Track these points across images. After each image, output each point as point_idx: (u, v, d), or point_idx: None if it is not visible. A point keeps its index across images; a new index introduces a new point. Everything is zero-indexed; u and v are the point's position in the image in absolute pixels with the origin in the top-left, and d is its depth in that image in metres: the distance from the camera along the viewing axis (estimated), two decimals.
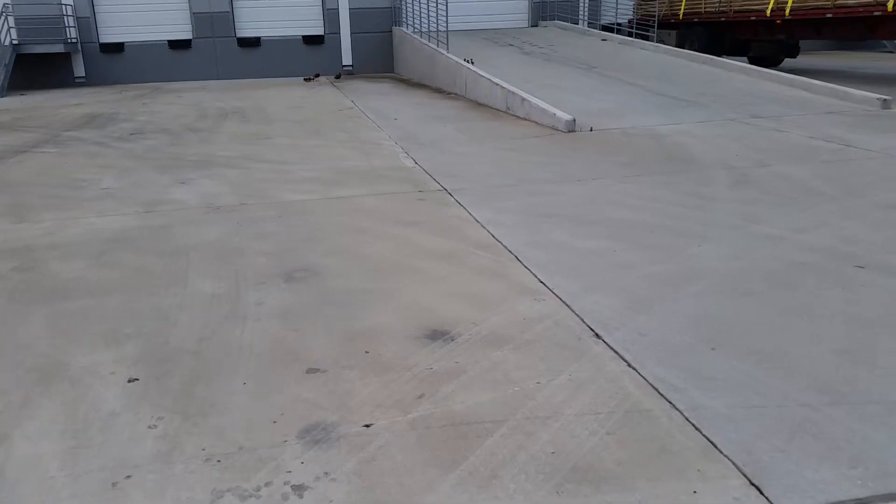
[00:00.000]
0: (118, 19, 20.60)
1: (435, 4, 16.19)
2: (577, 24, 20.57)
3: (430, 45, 16.56)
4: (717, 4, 16.86)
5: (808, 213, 5.29)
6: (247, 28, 21.23)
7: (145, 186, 6.92)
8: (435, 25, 16.30)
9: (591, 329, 3.41)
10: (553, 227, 5.15)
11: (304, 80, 19.53)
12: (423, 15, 17.63)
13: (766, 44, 16.66)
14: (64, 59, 20.29)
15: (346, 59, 21.60)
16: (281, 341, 3.35)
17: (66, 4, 19.79)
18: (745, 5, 16.01)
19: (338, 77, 19.69)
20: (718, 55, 17.25)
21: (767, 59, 17.68)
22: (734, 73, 13.32)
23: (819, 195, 5.76)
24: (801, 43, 18.83)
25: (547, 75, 13.48)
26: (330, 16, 21.18)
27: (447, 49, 15.49)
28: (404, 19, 19.73)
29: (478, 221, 5.34)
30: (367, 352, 3.22)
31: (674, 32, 18.66)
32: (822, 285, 3.88)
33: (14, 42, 18.79)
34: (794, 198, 5.71)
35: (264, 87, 17.77)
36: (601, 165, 7.22)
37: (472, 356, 3.16)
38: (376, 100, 14.01)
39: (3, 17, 18.52)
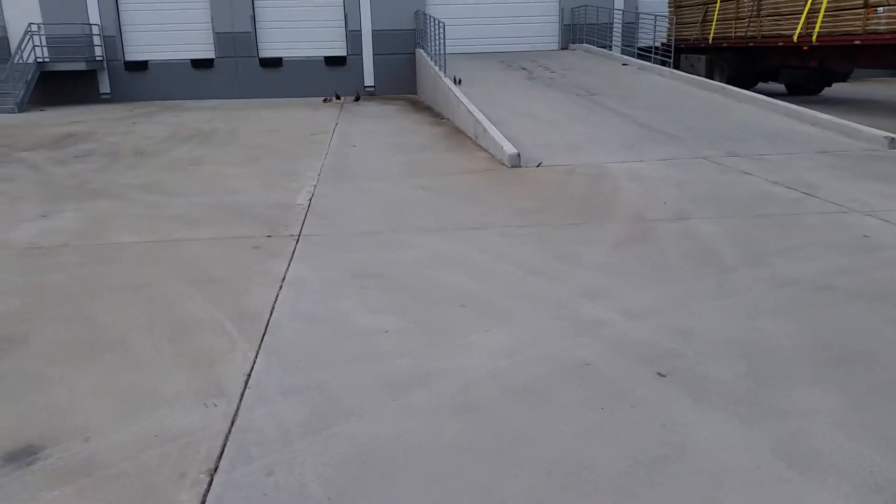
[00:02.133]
0: (143, 38, 20.75)
1: (435, 24, 15.52)
2: (610, 47, 19.42)
3: (435, 67, 15.84)
4: (747, 28, 15.51)
5: (673, 288, 4.26)
6: (269, 48, 21.05)
7: (2, 220, 6.43)
8: (437, 46, 15.61)
9: (217, 462, 2.57)
10: (359, 293, 4.31)
11: (323, 100, 19.07)
12: (431, 36, 16.99)
13: (796, 70, 15.16)
14: (90, 76, 20.56)
15: (369, 80, 21.15)
16: None
17: (93, 24, 20.07)
18: (773, 30, 14.64)
19: (357, 99, 19.15)
20: (749, 83, 15.94)
21: (802, 86, 16.20)
22: (743, 103, 12.06)
23: (711, 263, 4.70)
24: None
25: (536, 102, 12.54)
26: (353, 37, 20.79)
27: (444, 71, 14.76)
28: (426, 41, 19.11)
29: (283, 280, 4.55)
30: None
31: (703, 57, 17.34)
32: (576, 405, 2.91)
33: (39, 60, 19.11)
34: (677, 266, 4.67)
35: (273, 107, 17.43)
36: (502, 211, 6.31)
37: (19, 496, 2.37)
38: (362, 124, 13.38)
39: (28, 37, 18.86)
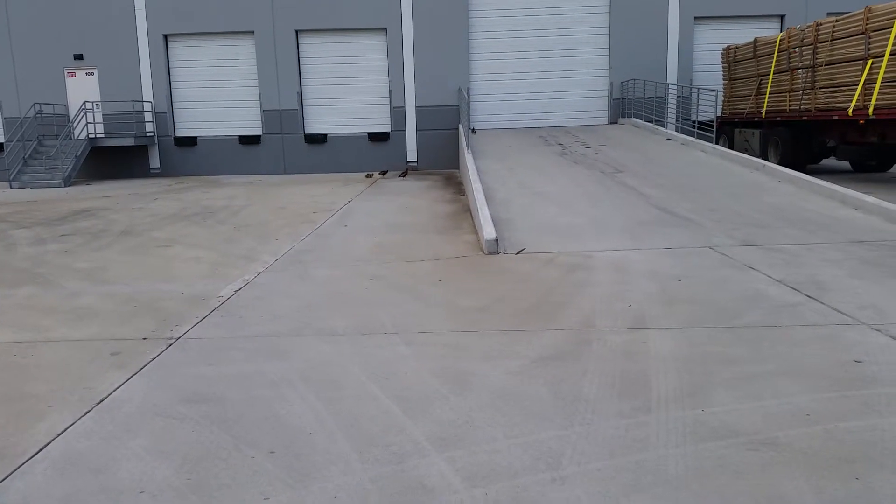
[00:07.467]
0: (194, 114, 21.18)
1: (462, 98, 15.02)
2: (662, 122, 18.41)
3: (463, 141, 15.28)
4: (800, 101, 14.26)
5: (560, 433, 3.22)
6: (315, 125, 21.09)
7: None
8: (463, 120, 15.07)
9: None
10: (164, 427, 3.48)
11: (366, 175, 18.80)
12: (462, 109, 16.51)
13: (855, 147, 13.70)
14: (142, 151, 21.05)
15: (412, 155, 20.84)
16: None
17: (146, 101, 20.64)
18: (828, 102, 13.36)
19: (404, 174, 18.78)
20: (805, 159, 14.57)
21: (865, 164, 14.71)
22: (784, 183, 10.81)
23: (634, 396, 3.64)
24: None
25: (554, 180, 11.67)
26: (396, 113, 20.60)
27: (468, 146, 14.14)
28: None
29: (99, 402, 3.78)
30: None
31: (758, 132, 16.08)
32: None
33: (91, 136, 19.69)
34: (588, 398, 3.62)
35: (306, 183, 17.20)
36: (435, 311, 5.41)
37: None
38: (376, 201, 12.81)
39: (82, 114, 19.50)
